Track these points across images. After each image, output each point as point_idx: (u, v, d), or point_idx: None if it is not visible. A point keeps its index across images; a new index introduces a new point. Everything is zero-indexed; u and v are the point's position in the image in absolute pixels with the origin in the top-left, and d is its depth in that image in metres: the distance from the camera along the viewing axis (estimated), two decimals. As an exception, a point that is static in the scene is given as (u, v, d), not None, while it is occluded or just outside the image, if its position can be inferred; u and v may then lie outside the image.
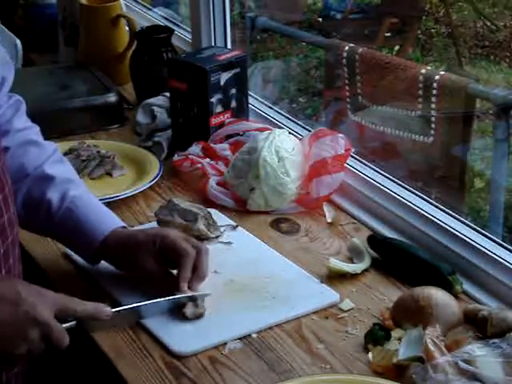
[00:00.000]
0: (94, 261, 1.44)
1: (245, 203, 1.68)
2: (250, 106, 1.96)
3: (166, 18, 2.62)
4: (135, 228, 1.50)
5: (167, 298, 1.34)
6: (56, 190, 1.42)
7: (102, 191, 1.69)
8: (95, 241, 1.40)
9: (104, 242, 1.40)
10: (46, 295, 1.19)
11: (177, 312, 1.33)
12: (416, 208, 1.58)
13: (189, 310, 1.30)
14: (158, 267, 1.38)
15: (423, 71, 2.66)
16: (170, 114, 1.92)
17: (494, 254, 1.42)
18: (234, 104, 1.89)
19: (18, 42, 2.35)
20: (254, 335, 1.32)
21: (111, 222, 1.44)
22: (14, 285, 1.19)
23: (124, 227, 1.45)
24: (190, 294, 1.35)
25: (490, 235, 1.48)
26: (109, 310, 1.25)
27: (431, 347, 1.16)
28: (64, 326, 1.20)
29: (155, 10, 2.75)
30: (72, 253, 1.53)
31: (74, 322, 1.22)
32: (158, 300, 1.34)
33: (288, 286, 1.42)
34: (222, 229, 1.58)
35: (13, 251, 1.27)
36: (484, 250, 1.44)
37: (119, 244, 1.40)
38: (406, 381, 1.16)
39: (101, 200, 1.66)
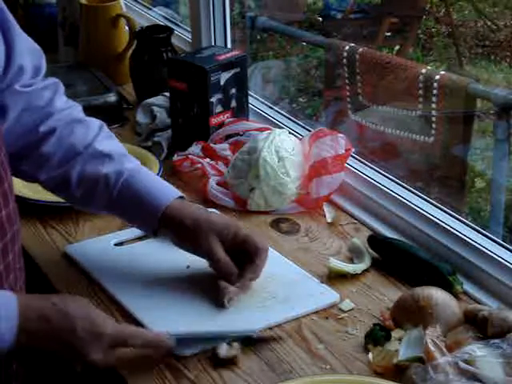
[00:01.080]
0: (155, 232, 1.43)
1: (245, 203, 1.68)
2: (250, 105, 1.96)
3: (165, 18, 2.62)
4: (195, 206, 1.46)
5: (228, 331, 1.30)
6: (111, 165, 1.42)
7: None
8: (159, 209, 1.39)
9: (168, 210, 1.39)
10: (102, 333, 1.19)
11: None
12: (416, 208, 1.58)
13: (222, 350, 1.25)
14: (225, 254, 1.37)
15: (423, 71, 2.66)
16: (170, 113, 1.92)
17: (495, 254, 1.42)
18: (234, 104, 1.88)
19: (18, 41, 2.35)
20: (254, 335, 1.31)
21: (172, 191, 1.43)
22: (72, 321, 1.18)
23: (182, 197, 1.43)
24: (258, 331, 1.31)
25: (490, 235, 1.48)
26: (170, 343, 1.25)
27: (431, 347, 1.16)
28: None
29: (155, 9, 2.74)
30: (72, 253, 1.53)
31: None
32: (218, 330, 1.30)
33: (288, 286, 1.42)
34: (221, 229, 1.58)
35: (12, 247, 1.26)
36: (484, 250, 1.44)
37: (187, 215, 1.38)
38: (407, 381, 1.16)
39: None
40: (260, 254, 1.38)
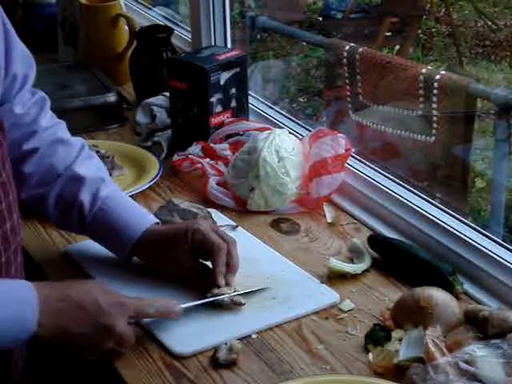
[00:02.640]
0: (128, 258, 1.45)
1: (245, 203, 1.68)
2: (250, 105, 1.96)
3: (165, 18, 2.62)
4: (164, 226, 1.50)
5: (237, 293, 1.36)
6: (87, 191, 1.43)
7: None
8: (129, 241, 1.41)
9: (137, 241, 1.41)
10: (124, 304, 1.24)
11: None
12: (416, 208, 1.58)
13: (222, 354, 1.26)
14: (193, 261, 1.39)
15: (424, 71, 2.66)
16: (170, 113, 1.92)
17: (495, 254, 1.42)
18: (233, 104, 1.88)
19: (18, 41, 2.35)
20: (254, 335, 1.31)
21: (144, 220, 1.44)
22: (93, 292, 1.22)
23: (157, 223, 1.45)
24: (247, 290, 1.37)
25: (490, 235, 1.48)
26: (179, 309, 1.29)
27: (432, 348, 1.16)
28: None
29: (155, 9, 2.74)
30: (72, 253, 1.53)
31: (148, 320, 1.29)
32: (222, 297, 1.35)
33: (288, 286, 1.41)
34: (221, 229, 1.58)
35: (15, 260, 1.27)
36: (485, 250, 1.44)
37: (152, 243, 1.41)
38: (407, 381, 1.16)
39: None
40: (217, 258, 1.37)
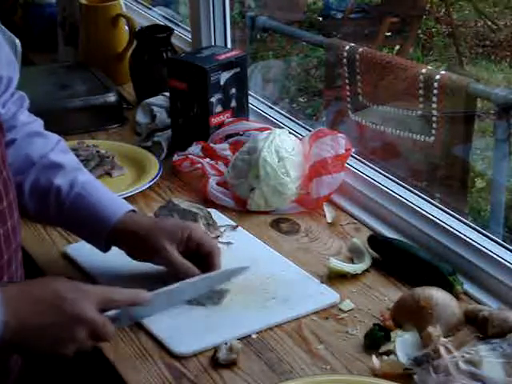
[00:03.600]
0: (106, 247, 1.43)
1: (245, 203, 1.68)
2: (250, 105, 1.96)
3: (165, 18, 2.62)
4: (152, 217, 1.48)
5: (203, 276, 1.35)
6: (64, 177, 1.42)
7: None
8: (108, 224, 1.40)
9: (118, 224, 1.39)
10: (85, 290, 1.19)
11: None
12: (416, 208, 1.58)
13: (222, 354, 1.25)
14: (179, 256, 1.38)
15: (424, 71, 2.66)
16: (170, 113, 1.92)
17: (495, 254, 1.42)
18: (233, 104, 1.88)
19: (18, 41, 2.34)
20: (254, 335, 1.31)
21: (124, 205, 1.44)
22: (52, 284, 1.19)
23: (134, 211, 1.44)
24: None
25: (490, 235, 1.48)
26: (147, 295, 1.26)
27: (443, 354, 1.15)
28: (108, 314, 1.21)
29: (155, 9, 2.74)
30: (72, 253, 1.53)
31: (118, 311, 1.23)
32: (195, 279, 1.34)
33: (288, 286, 1.41)
34: (221, 229, 1.58)
35: (16, 258, 1.27)
36: (485, 250, 1.44)
37: (138, 228, 1.39)
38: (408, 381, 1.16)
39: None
40: (214, 261, 1.38)
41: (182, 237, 1.38)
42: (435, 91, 2.59)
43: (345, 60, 2.90)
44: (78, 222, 1.44)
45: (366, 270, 1.47)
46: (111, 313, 1.22)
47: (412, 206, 1.59)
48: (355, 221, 1.64)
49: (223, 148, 1.82)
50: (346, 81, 2.92)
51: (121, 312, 1.23)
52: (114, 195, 1.47)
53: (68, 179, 1.42)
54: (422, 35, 4.94)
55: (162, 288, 1.32)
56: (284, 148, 1.68)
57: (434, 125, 2.64)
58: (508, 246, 1.44)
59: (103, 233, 1.41)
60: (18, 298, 1.16)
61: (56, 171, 1.43)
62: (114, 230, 1.40)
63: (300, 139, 1.76)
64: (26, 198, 1.43)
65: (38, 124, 1.50)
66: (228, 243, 1.55)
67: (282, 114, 2.01)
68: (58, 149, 1.47)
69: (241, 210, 1.68)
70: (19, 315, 1.14)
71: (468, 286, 1.41)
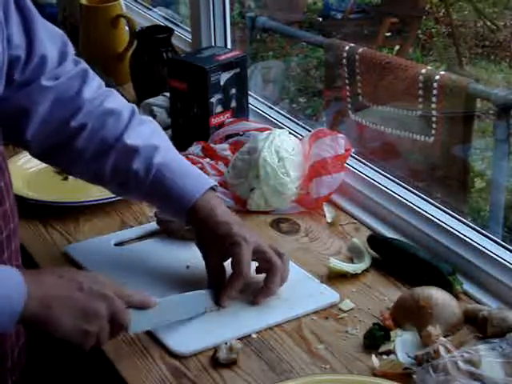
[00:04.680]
0: (188, 224, 1.45)
1: (245, 203, 1.68)
2: (250, 105, 1.96)
3: (165, 18, 2.62)
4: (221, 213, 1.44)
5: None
6: (140, 161, 1.41)
7: (102, 191, 1.68)
8: (185, 207, 1.40)
9: (193, 208, 1.40)
10: (102, 279, 1.22)
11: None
12: (416, 208, 1.58)
13: (222, 354, 1.26)
14: (219, 264, 1.38)
15: (423, 71, 2.66)
16: (170, 113, 1.92)
17: (494, 254, 1.42)
18: (234, 104, 1.89)
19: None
20: (254, 335, 1.32)
21: (199, 185, 1.41)
22: (64, 268, 1.29)
23: (213, 188, 1.43)
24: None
25: (490, 235, 1.48)
26: (154, 300, 1.28)
27: (443, 353, 1.15)
28: None
29: (155, 9, 2.75)
30: (72, 253, 1.53)
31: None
32: (201, 292, 1.35)
33: (288, 286, 1.41)
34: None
35: (8, 245, 1.27)
36: (484, 250, 1.44)
37: (202, 219, 1.39)
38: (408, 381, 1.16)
39: (100, 200, 1.66)
40: (273, 279, 1.37)
41: (228, 251, 1.37)
42: (435, 91, 2.59)
43: (345, 60, 2.90)
44: (160, 204, 1.47)
45: (366, 270, 1.47)
46: None
47: (412, 206, 1.59)
48: (355, 221, 1.64)
49: (223, 148, 1.82)
50: (346, 81, 2.92)
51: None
52: (190, 174, 1.44)
53: (144, 163, 1.41)
54: (421, 35, 4.94)
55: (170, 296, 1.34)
56: (284, 148, 1.68)
57: (434, 125, 2.64)
58: (507, 245, 1.44)
59: (183, 214, 1.41)
60: (38, 273, 1.23)
61: (132, 155, 1.41)
62: (189, 214, 1.40)
63: (300, 139, 1.76)
64: (107, 181, 1.44)
65: (109, 98, 1.45)
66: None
67: (281, 115, 2.01)
68: (132, 126, 1.43)
69: (241, 210, 1.68)
70: (42, 287, 1.16)
71: (468, 286, 1.41)
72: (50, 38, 1.39)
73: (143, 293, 1.28)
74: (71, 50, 1.43)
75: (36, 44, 1.35)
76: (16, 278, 1.14)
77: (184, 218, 1.42)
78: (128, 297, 1.24)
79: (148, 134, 1.44)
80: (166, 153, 1.44)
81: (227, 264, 1.37)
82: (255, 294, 1.37)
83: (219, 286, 1.37)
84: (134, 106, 1.47)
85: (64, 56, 1.41)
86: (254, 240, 1.37)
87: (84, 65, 1.45)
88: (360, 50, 2.87)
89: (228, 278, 1.37)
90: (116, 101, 1.45)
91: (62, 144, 1.41)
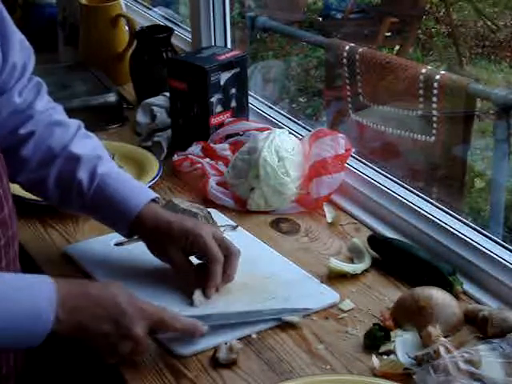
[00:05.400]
0: (129, 235, 1.45)
1: (245, 203, 1.68)
2: (250, 105, 1.96)
3: (165, 18, 2.62)
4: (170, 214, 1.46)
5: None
6: (85, 170, 1.42)
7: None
8: (129, 216, 1.41)
9: (138, 218, 1.40)
10: (145, 309, 1.21)
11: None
12: (416, 208, 1.58)
13: (222, 354, 1.25)
14: (186, 262, 1.40)
15: (423, 71, 2.66)
16: (170, 113, 1.92)
17: (495, 254, 1.42)
18: (233, 104, 1.88)
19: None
20: (254, 335, 1.32)
21: (143, 196, 1.43)
22: (113, 291, 1.21)
23: (155, 200, 1.44)
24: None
25: (490, 235, 1.48)
26: (204, 328, 1.27)
27: (443, 354, 1.15)
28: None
29: (155, 9, 2.74)
30: (72, 253, 1.53)
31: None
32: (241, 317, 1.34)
33: (288, 286, 1.41)
34: (222, 229, 1.58)
35: (6, 254, 1.27)
36: (484, 250, 1.44)
37: (152, 226, 1.40)
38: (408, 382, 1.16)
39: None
40: (213, 269, 1.37)
41: (187, 242, 1.38)
42: (435, 91, 2.59)
43: (345, 60, 2.90)
44: (101, 214, 1.46)
45: (366, 270, 1.47)
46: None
47: (412, 205, 1.59)
48: (355, 221, 1.64)
49: (223, 148, 1.82)
50: (346, 81, 2.92)
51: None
52: (133, 186, 1.46)
53: (88, 171, 1.42)
54: (421, 35, 4.94)
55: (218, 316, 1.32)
56: (284, 148, 1.68)
57: (434, 125, 2.64)
58: (508, 245, 1.44)
59: (125, 224, 1.42)
60: (77, 296, 1.18)
61: (77, 164, 1.42)
62: (134, 224, 1.41)
63: (300, 139, 1.76)
64: (50, 190, 1.44)
65: (58, 110, 1.49)
66: (228, 243, 1.55)
67: (282, 114, 2.01)
68: (78, 137, 1.46)
69: (241, 210, 1.68)
70: (74, 315, 1.16)
71: (468, 286, 1.41)
72: (20, 48, 1.39)
73: (191, 321, 1.27)
74: (33, 63, 1.44)
75: (10, 52, 1.36)
76: (51, 306, 1.14)
77: (126, 228, 1.42)
78: (169, 328, 1.24)
79: (93, 146, 1.47)
80: (110, 164, 1.46)
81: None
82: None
83: (196, 280, 1.38)
84: (81, 122, 1.50)
85: (26, 68, 1.42)
86: (211, 230, 1.40)
87: (37, 78, 1.48)
88: (360, 49, 2.87)
89: (206, 269, 1.38)
90: (63, 115, 1.49)
91: (9, 151, 1.40)
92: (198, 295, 1.36)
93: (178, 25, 2.50)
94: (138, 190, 1.45)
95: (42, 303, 1.14)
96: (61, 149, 1.44)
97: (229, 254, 1.39)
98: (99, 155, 1.46)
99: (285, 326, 1.34)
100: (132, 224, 1.41)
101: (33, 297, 1.14)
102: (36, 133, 1.43)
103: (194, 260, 1.42)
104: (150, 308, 1.22)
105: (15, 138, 1.42)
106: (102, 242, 1.56)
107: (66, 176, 1.43)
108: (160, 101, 1.98)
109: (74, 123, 1.48)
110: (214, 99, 1.84)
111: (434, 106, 2.62)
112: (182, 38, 2.37)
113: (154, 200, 1.44)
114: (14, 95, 1.41)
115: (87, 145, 1.47)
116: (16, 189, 1.70)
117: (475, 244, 1.45)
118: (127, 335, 1.19)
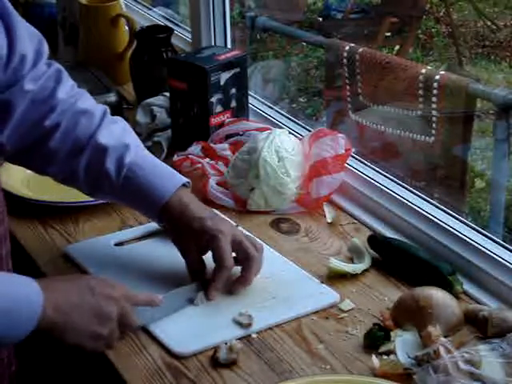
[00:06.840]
0: (160, 222, 1.46)
1: (245, 203, 1.68)
2: (249, 105, 1.96)
3: (165, 18, 2.62)
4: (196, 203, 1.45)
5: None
6: (112, 160, 1.42)
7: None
8: (158, 206, 1.41)
9: (165, 207, 1.41)
10: (108, 280, 1.27)
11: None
12: (416, 208, 1.58)
13: (222, 354, 1.26)
14: (198, 260, 1.41)
15: (423, 71, 2.66)
16: (170, 113, 1.92)
17: (495, 254, 1.42)
18: (233, 104, 1.88)
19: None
20: (254, 335, 1.32)
21: (171, 184, 1.43)
22: (74, 275, 1.33)
23: (186, 185, 1.44)
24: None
25: (490, 235, 1.48)
26: (160, 296, 1.31)
27: (443, 354, 1.15)
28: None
29: (155, 9, 2.74)
30: (72, 253, 1.53)
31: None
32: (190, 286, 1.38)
33: (288, 286, 1.41)
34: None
35: (5, 242, 1.28)
36: (484, 250, 1.44)
37: (176, 216, 1.40)
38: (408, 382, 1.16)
39: (100, 200, 1.66)
40: (220, 269, 1.38)
41: (203, 241, 1.39)
42: (435, 91, 2.59)
43: (345, 60, 2.90)
44: (132, 204, 1.48)
45: (366, 270, 1.47)
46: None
47: (412, 205, 1.59)
48: (355, 221, 1.64)
49: (223, 148, 1.82)
50: (346, 81, 2.92)
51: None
52: (162, 172, 1.45)
53: (116, 161, 1.42)
54: (421, 35, 4.94)
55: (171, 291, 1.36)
56: (284, 148, 1.68)
57: (434, 125, 2.64)
58: (508, 245, 1.44)
59: (155, 213, 1.43)
60: (50, 280, 1.26)
61: (104, 154, 1.42)
62: (162, 212, 1.42)
63: (300, 139, 1.76)
64: (80, 180, 1.45)
65: (82, 97, 1.47)
66: (228, 243, 1.55)
67: (282, 114, 2.01)
68: (104, 125, 1.44)
69: (241, 210, 1.68)
70: (55, 294, 1.18)
71: (468, 286, 1.41)
72: (29, 38, 1.39)
73: (147, 293, 1.32)
74: (46, 49, 1.43)
75: (16, 43, 1.35)
76: (32, 285, 1.15)
77: (156, 217, 1.44)
78: (136, 298, 1.28)
79: (119, 132, 1.46)
80: (137, 152, 1.45)
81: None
82: (232, 284, 1.40)
83: (203, 280, 1.39)
84: (106, 107, 1.49)
85: (39, 55, 1.41)
86: (230, 232, 1.39)
87: (58, 65, 1.46)
88: (360, 49, 2.87)
89: (212, 271, 1.38)
90: (89, 101, 1.48)
91: (37, 143, 1.41)
92: (200, 297, 1.37)
93: (178, 25, 2.50)
94: (167, 176, 1.44)
95: (30, 290, 1.16)
96: (87, 139, 1.43)
97: (247, 257, 1.39)
98: (126, 144, 1.44)
99: (285, 325, 1.34)
100: (160, 213, 1.42)
101: (20, 286, 1.16)
102: (61, 124, 1.42)
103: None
104: (116, 283, 1.27)
105: (41, 130, 1.41)
106: (102, 242, 1.56)
107: (95, 167, 1.43)
108: (160, 101, 1.98)
109: (100, 110, 1.47)
110: (214, 99, 1.84)
111: (434, 106, 2.62)
112: (181, 38, 2.37)
113: (184, 185, 1.44)
114: (26, 83, 1.38)
115: (113, 133, 1.45)
116: (16, 188, 1.70)
117: (475, 244, 1.45)
118: (108, 297, 1.22)
